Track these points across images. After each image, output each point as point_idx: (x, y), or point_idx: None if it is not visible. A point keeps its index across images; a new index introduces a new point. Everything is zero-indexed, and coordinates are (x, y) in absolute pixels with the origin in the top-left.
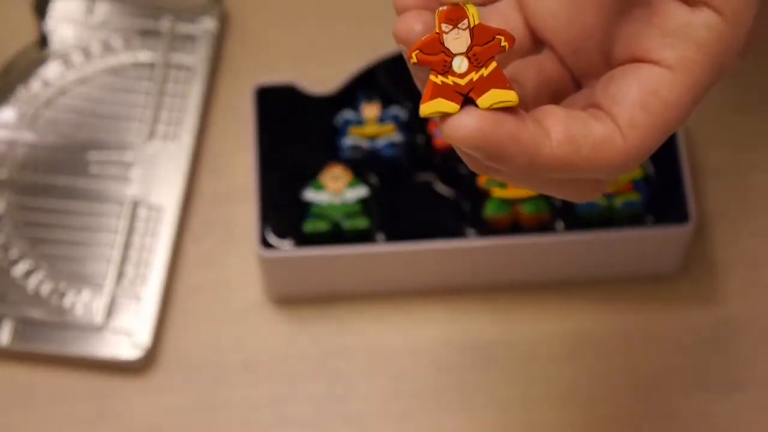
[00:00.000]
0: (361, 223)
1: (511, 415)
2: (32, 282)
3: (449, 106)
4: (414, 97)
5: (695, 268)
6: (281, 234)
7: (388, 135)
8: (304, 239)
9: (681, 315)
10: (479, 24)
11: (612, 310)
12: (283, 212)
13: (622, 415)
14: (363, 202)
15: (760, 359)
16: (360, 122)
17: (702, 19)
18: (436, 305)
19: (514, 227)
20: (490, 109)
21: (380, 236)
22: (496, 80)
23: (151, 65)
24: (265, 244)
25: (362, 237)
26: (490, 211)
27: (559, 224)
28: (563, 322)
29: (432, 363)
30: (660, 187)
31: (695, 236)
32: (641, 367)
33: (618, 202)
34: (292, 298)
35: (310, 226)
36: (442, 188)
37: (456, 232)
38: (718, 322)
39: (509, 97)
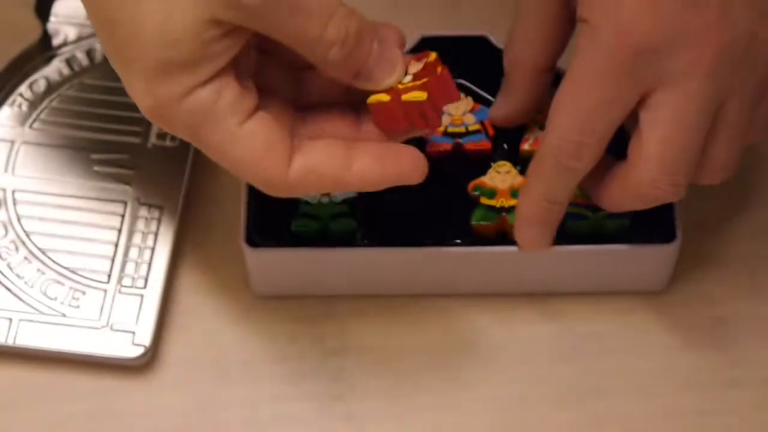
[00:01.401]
0: (348, 224)
1: (509, 416)
2: (33, 281)
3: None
4: None
5: (694, 268)
6: (276, 235)
7: None
8: (297, 239)
9: (680, 315)
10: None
11: (611, 310)
12: (273, 211)
13: (621, 415)
14: (349, 203)
15: (759, 359)
16: None
17: None
18: (435, 305)
19: (501, 236)
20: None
21: (365, 239)
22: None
23: None
24: (251, 242)
25: (348, 238)
26: (476, 219)
27: None
28: (562, 322)
29: (431, 363)
30: None
31: (695, 236)
32: (640, 367)
33: (605, 215)
34: (292, 297)
35: (299, 224)
36: (429, 192)
37: (442, 239)
38: (717, 322)
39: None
